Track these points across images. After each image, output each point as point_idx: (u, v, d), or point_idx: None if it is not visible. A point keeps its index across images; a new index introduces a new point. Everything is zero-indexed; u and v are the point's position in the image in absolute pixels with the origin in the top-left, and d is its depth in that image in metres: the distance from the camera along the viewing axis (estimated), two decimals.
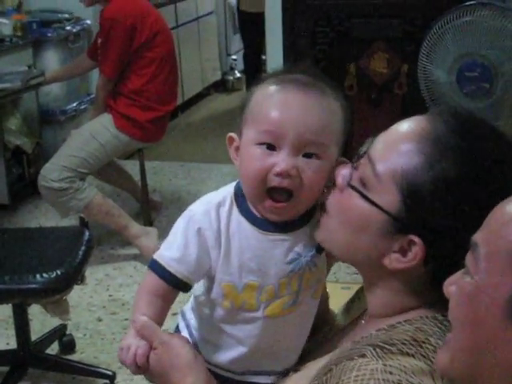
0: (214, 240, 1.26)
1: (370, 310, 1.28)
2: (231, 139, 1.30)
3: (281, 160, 1.20)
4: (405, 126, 1.20)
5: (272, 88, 1.25)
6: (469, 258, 0.97)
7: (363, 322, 1.30)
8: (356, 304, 1.42)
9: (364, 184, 1.19)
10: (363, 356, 1.12)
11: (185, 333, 1.39)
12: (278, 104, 1.23)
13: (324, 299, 1.48)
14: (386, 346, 1.12)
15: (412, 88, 4.45)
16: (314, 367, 1.26)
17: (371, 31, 4.75)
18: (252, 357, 1.33)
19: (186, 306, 1.43)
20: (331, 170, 1.25)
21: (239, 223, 1.26)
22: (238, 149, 1.29)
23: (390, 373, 1.07)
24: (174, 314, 1.52)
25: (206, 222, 1.26)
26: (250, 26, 7.18)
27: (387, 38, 4.72)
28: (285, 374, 1.36)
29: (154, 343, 1.27)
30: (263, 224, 1.26)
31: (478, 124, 1.19)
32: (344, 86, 4.85)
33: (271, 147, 1.22)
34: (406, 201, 1.14)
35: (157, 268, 1.29)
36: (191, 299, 1.41)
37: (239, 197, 1.28)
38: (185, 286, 1.30)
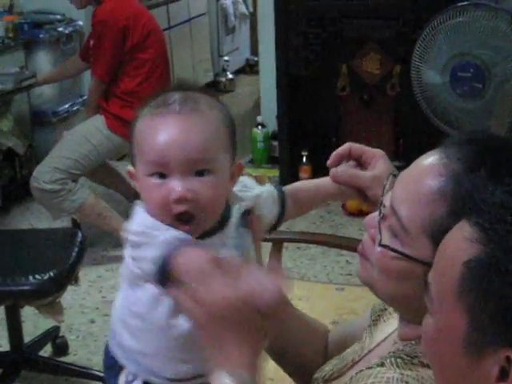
0: None
1: (400, 335, 1.24)
2: (130, 174, 1.30)
3: (174, 186, 1.19)
4: (420, 166, 1.15)
5: (148, 116, 1.25)
6: (426, 298, 0.95)
7: (394, 342, 1.26)
8: (379, 326, 1.38)
9: (396, 235, 1.15)
10: (382, 365, 1.12)
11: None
12: (154, 132, 1.22)
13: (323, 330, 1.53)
14: (408, 357, 1.12)
15: (404, 89, 4.46)
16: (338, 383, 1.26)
17: (364, 32, 4.74)
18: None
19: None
20: (231, 176, 1.25)
21: None
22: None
23: (406, 382, 1.07)
24: None
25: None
26: None
27: (380, 39, 4.72)
28: None
29: None
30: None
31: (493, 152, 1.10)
32: (336, 86, 4.87)
33: (162, 175, 1.21)
34: None
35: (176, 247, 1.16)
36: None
37: None
38: None
